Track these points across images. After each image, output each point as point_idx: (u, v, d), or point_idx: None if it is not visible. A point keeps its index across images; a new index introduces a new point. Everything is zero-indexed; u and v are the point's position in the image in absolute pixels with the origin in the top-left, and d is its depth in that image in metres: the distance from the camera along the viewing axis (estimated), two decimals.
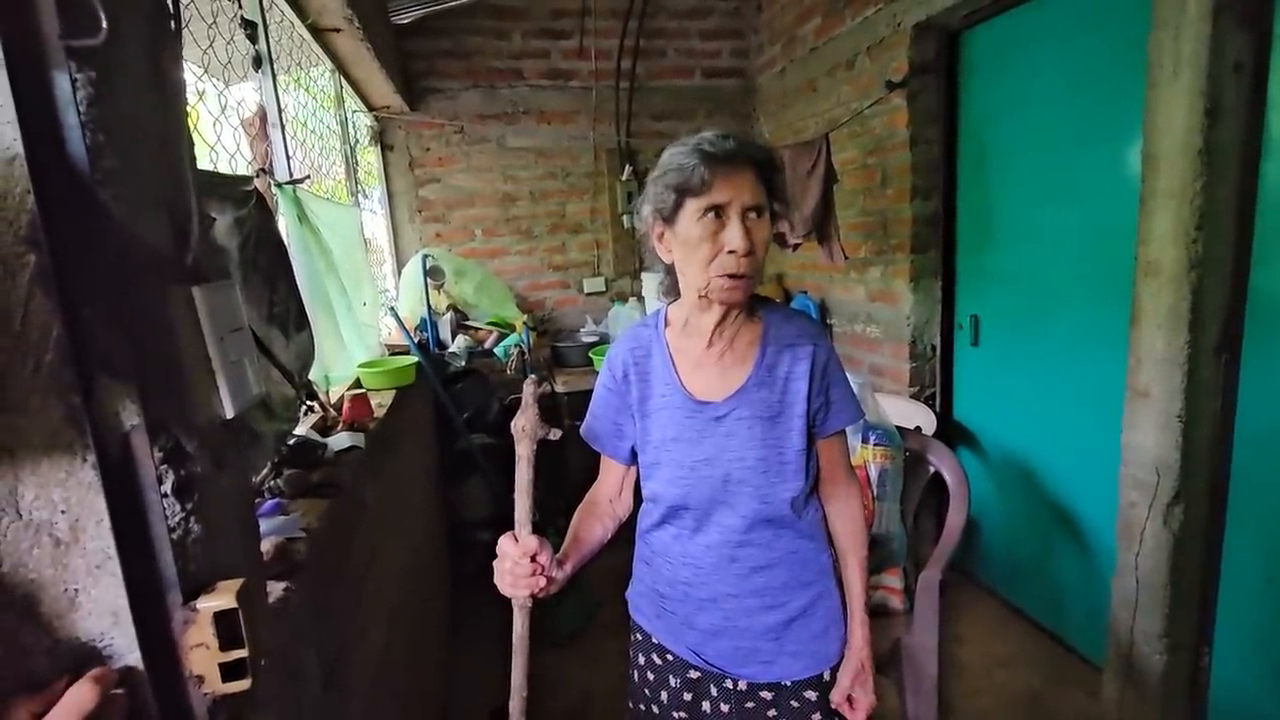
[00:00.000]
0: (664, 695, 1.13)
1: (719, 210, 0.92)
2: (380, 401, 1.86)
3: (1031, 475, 2.35)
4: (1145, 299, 1.63)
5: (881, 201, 2.67)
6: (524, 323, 3.07)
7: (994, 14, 2.23)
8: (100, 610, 0.52)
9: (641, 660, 1.17)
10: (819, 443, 1.07)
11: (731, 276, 0.93)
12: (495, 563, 0.94)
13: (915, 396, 2.66)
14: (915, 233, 2.54)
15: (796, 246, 2.81)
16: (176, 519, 0.54)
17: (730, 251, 0.92)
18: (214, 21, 1.29)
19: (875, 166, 2.68)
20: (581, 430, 1.16)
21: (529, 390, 0.92)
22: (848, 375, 1.09)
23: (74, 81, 0.47)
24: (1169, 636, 1.69)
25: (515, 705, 0.96)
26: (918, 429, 2.37)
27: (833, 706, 1.08)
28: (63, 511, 0.51)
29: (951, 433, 2.66)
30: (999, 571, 2.57)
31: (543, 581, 0.93)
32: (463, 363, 2.92)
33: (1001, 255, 2.36)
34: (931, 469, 2.11)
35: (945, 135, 2.51)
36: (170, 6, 0.59)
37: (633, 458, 1.12)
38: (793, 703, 1.07)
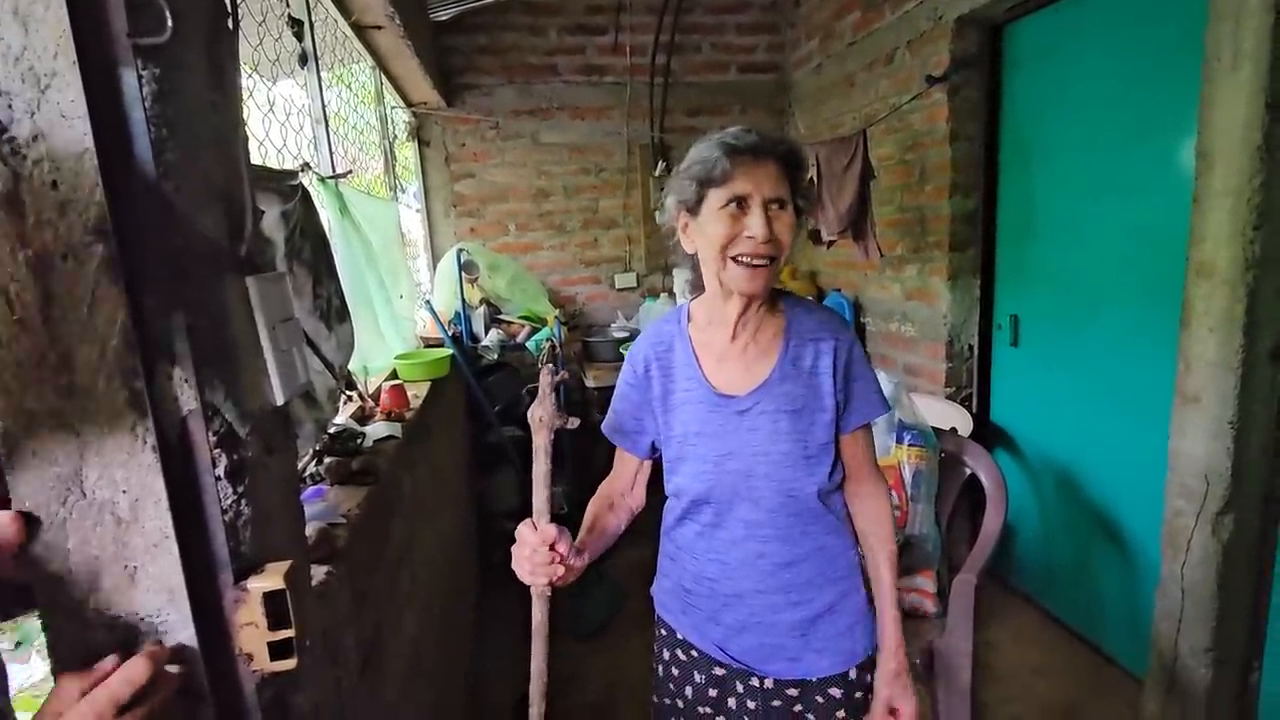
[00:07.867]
0: (689, 691, 1.13)
1: (741, 201, 0.93)
2: (416, 393, 1.89)
3: (1071, 480, 2.28)
4: (1197, 301, 1.57)
5: (919, 198, 2.62)
6: (555, 317, 3.09)
7: (1039, 6, 2.17)
8: (157, 587, 0.55)
9: (666, 655, 1.17)
10: (843, 439, 1.06)
11: (751, 266, 0.93)
12: (514, 549, 0.93)
13: (951, 397, 2.61)
14: (954, 230, 2.49)
15: (832, 243, 2.78)
16: (229, 501, 0.56)
17: (750, 237, 0.93)
18: (263, 20, 1.33)
19: (914, 162, 2.63)
20: (603, 426, 1.17)
21: (545, 380, 0.90)
22: (880, 373, 1.08)
23: (140, 78, 0.49)
24: (1216, 650, 1.64)
25: (535, 689, 0.97)
26: (953, 430, 2.33)
27: None
28: (124, 491, 0.53)
29: (988, 435, 2.60)
30: (1035, 578, 2.51)
31: (561, 570, 0.92)
32: (495, 356, 2.96)
33: (1044, 254, 2.30)
34: (967, 471, 2.07)
35: (987, 131, 2.45)
36: (228, 5, 0.61)
37: (650, 453, 1.13)
38: (818, 698, 1.07)
